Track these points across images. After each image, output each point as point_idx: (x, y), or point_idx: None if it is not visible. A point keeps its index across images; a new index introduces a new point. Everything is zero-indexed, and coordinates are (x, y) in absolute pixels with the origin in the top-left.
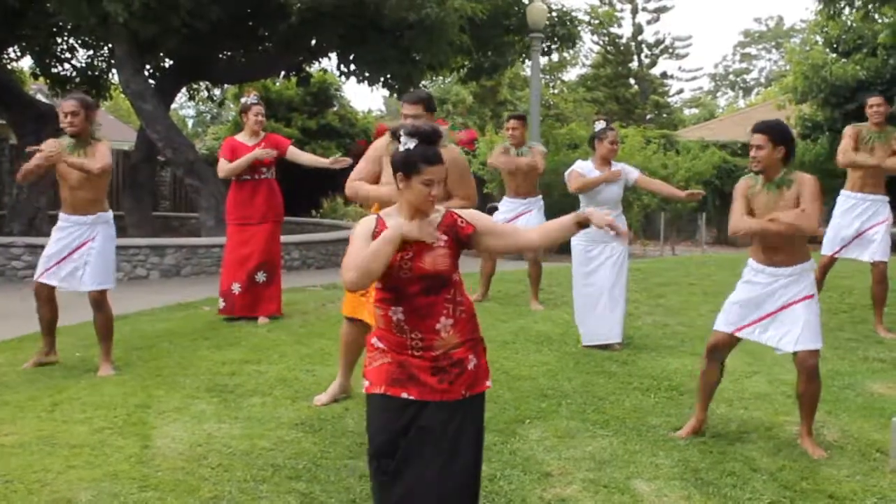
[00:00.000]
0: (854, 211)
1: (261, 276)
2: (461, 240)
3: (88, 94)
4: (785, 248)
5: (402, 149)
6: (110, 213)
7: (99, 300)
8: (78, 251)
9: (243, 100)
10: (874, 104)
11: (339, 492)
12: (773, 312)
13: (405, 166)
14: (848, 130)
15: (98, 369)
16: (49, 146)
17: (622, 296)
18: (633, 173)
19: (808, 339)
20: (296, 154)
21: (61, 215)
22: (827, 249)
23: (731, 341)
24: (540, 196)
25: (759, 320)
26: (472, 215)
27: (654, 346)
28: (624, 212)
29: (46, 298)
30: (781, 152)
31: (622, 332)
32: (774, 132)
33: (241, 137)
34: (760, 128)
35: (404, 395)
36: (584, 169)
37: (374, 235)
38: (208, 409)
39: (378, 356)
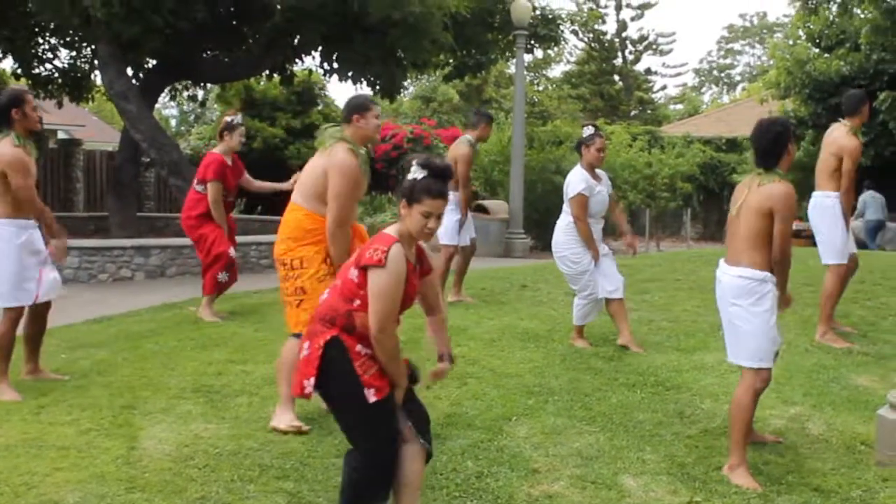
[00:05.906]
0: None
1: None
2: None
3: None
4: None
5: (410, 178)
6: (15, 223)
7: None
8: None
9: (229, 118)
10: None
11: (328, 490)
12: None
13: (410, 194)
14: None
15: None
16: None
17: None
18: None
19: (740, 354)
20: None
21: None
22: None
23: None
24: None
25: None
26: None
27: (640, 343)
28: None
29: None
30: None
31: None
32: None
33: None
34: None
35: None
36: (581, 178)
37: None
38: (195, 409)
39: (369, 362)
